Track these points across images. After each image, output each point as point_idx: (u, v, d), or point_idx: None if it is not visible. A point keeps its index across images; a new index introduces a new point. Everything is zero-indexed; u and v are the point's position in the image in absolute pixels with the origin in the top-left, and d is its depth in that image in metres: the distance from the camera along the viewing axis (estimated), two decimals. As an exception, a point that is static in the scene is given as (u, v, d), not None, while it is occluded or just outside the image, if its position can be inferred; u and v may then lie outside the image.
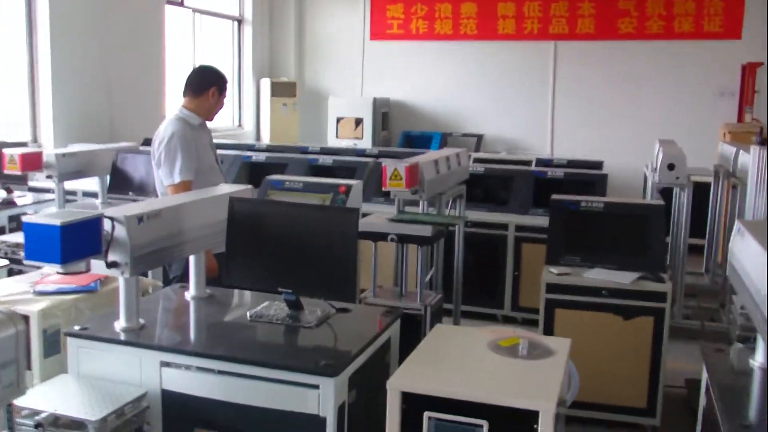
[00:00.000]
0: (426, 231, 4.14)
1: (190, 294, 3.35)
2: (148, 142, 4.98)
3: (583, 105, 10.66)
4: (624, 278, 4.18)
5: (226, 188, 3.60)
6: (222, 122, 11.03)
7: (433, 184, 4.54)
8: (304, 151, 8.27)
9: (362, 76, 11.66)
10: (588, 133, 10.53)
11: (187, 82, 4.28)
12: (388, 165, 4.22)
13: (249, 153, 7.23)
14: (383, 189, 4.28)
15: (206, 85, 4.21)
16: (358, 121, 11.13)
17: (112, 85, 8.31)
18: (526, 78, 10.93)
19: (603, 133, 10.42)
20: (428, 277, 4.97)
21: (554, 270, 4.29)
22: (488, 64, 11.08)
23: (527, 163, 7.59)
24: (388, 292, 4.47)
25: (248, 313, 3.08)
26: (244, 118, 11.56)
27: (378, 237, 4.25)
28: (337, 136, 11.22)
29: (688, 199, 5.74)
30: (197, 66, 4.44)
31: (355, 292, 3.03)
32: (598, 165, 7.38)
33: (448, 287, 5.39)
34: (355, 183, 5.13)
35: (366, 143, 10.92)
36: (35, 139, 7.69)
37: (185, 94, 4.25)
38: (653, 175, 6.18)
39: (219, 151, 7.72)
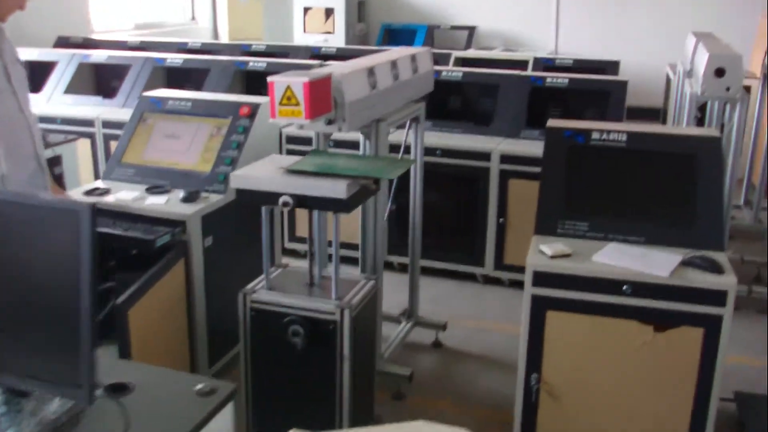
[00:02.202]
0: (338, 190, 2.47)
1: None
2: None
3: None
4: (658, 264, 2.51)
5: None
6: (170, 17, 9.13)
7: (361, 108, 2.82)
8: (245, 50, 6.47)
9: (334, -43, 9.61)
10: (599, 24, 8.58)
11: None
12: (276, 82, 2.49)
13: (165, 55, 5.44)
14: (271, 120, 2.57)
15: None
16: (329, 12, 9.18)
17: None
18: (527, -42, 8.90)
19: (617, 25, 8.48)
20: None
21: (546, 248, 2.62)
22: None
23: (522, 64, 5.78)
24: (296, 279, 2.85)
25: None
26: (197, 10, 9.60)
27: (263, 199, 2.59)
28: (304, 31, 9.32)
29: (741, 117, 3.99)
30: None
31: (91, 374, 1.39)
32: (613, 67, 5.56)
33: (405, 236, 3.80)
34: (264, 101, 3.43)
35: (338, 39, 9.05)
36: None
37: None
38: (689, 82, 4.40)
39: (131, 54, 5.87)
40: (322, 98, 2.55)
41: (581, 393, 2.60)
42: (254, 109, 3.45)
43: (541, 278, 2.58)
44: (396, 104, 3.23)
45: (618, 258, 2.57)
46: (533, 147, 4.24)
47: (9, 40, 2.72)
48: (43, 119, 5.09)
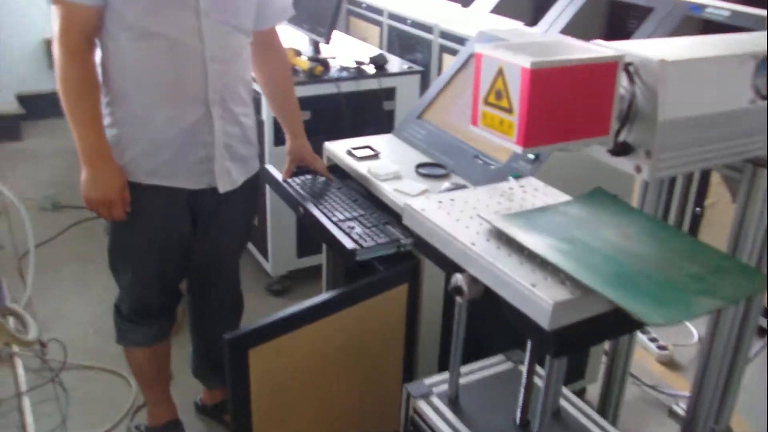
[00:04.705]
0: (539, 309, 1.12)
1: None
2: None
3: None
4: None
5: None
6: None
7: (702, 137, 1.30)
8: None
9: None
10: None
11: None
12: (485, 57, 1.17)
13: (704, 3, 3.93)
14: (472, 125, 1.27)
15: None
16: None
17: None
18: None
19: None
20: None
21: None
22: None
23: None
24: (511, 401, 1.60)
25: None
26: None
27: (437, 260, 1.38)
28: None
29: None
30: None
31: None
32: None
33: None
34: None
35: None
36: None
37: None
38: None
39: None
40: (577, 106, 1.15)
41: None
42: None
43: None
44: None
45: None
46: None
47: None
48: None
